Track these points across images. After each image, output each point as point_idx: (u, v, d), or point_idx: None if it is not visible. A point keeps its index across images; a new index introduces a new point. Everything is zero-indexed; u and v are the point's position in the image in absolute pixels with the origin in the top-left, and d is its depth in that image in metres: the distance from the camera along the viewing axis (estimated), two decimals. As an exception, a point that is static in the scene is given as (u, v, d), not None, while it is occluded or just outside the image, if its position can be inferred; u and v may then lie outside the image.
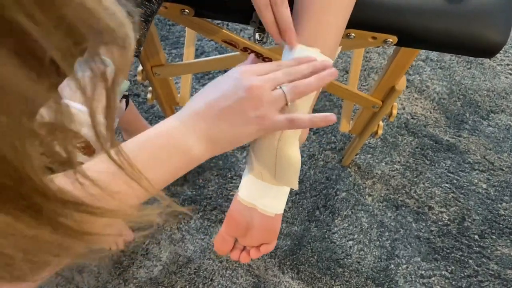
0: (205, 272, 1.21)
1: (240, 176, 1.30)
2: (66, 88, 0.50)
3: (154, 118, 1.39)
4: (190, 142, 0.45)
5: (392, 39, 0.67)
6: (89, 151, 0.51)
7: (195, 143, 0.45)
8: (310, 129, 1.38)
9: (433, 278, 1.21)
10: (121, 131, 1.35)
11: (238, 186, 0.60)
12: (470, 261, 1.23)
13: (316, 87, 0.49)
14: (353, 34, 0.68)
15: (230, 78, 0.47)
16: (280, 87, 0.47)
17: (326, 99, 1.42)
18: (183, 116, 0.46)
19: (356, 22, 0.65)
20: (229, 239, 0.56)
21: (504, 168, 1.34)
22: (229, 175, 1.30)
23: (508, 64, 1.49)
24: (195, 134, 0.45)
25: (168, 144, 0.45)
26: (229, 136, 0.46)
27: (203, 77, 1.43)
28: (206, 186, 1.29)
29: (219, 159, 1.33)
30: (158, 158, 0.44)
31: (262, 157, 0.52)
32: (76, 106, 0.47)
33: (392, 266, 1.22)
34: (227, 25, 1.48)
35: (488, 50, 0.66)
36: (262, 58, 0.83)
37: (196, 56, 1.44)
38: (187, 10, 0.68)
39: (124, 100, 0.58)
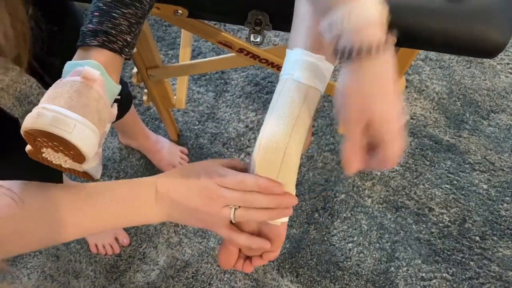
0: (203, 276, 1.20)
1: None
2: (48, 91, 0.48)
3: (150, 120, 1.37)
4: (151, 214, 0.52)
5: (391, 39, 0.66)
6: (78, 158, 0.49)
7: (155, 217, 0.52)
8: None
9: (434, 281, 1.20)
10: (117, 133, 1.33)
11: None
12: (471, 263, 1.22)
13: (267, 219, 0.51)
14: (350, 35, 0.66)
15: (203, 190, 0.50)
16: (234, 208, 0.50)
17: (325, 100, 1.40)
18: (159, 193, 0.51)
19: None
20: (234, 250, 0.55)
21: (505, 169, 1.32)
22: (227, 178, 1.28)
23: (508, 63, 1.47)
24: (160, 211, 0.52)
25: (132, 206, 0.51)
26: (183, 220, 0.53)
27: (200, 78, 1.42)
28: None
29: (217, 161, 1.31)
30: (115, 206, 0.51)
31: (266, 168, 0.51)
32: (56, 109, 0.45)
33: (392, 268, 1.21)
34: (224, 25, 1.46)
35: (490, 51, 0.64)
36: (258, 59, 0.81)
37: (193, 57, 1.42)
38: (180, 11, 0.66)
39: (115, 105, 0.56)
